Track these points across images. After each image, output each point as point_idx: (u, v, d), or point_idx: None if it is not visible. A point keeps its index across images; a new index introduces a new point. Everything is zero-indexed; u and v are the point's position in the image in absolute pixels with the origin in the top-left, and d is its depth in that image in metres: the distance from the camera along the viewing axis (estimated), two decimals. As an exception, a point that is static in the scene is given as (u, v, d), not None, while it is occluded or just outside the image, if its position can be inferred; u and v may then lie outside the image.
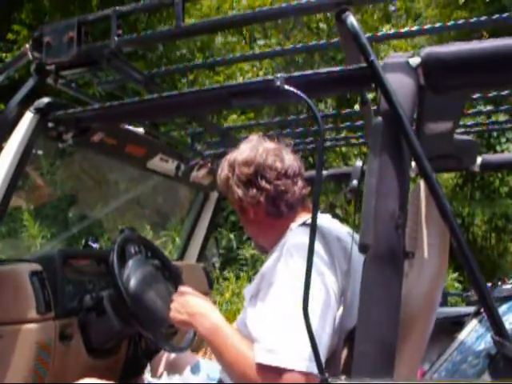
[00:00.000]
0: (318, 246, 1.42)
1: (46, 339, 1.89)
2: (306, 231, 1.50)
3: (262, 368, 1.35)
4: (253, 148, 1.64)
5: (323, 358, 1.33)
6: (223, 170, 1.67)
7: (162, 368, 2.04)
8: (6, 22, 8.15)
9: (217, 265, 4.28)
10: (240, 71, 7.75)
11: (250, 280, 5.13)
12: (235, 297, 5.13)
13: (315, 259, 1.26)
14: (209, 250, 3.19)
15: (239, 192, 1.62)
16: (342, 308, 1.42)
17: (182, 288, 1.67)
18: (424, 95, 1.27)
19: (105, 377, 1.82)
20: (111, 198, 7.38)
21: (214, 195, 3.03)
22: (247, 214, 1.66)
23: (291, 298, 1.37)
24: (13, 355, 1.82)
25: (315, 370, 1.31)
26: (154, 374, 1.76)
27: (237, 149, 1.68)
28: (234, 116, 7.17)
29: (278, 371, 1.33)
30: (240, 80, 7.31)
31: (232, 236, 6.21)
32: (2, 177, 1.75)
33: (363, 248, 1.21)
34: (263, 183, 1.60)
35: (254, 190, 1.60)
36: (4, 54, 7.97)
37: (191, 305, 1.57)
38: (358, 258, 1.42)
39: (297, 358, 1.32)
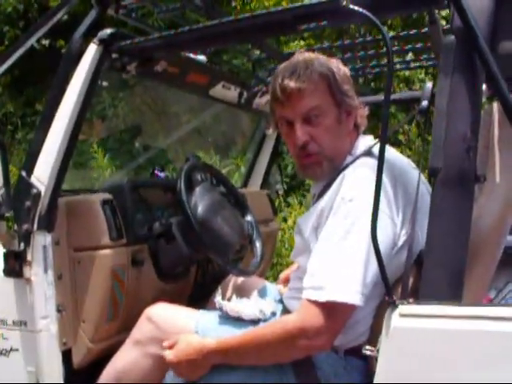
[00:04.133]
0: (384, 176, 1.40)
1: (119, 264, 1.97)
2: (366, 162, 1.49)
3: (311, 305, 1.40)
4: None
5: (369, 288, 1.38)
6: (319, 70, 1.56)
7: (230, 292, 2.11)
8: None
9: (280, 192, 4.30)
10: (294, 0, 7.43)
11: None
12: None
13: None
14: (272, 176, 3.20)
15: (345, 95, 1.59)
16: (405, 237, 1.44)
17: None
18: (501, 10, 1.20)
19: (175, 300, 1.89)
20: (175, 128, 7.44)
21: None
22: (341, 120, 1.60)
23: (346, 234, 1.39)
24: (90, 279, 1.91)
25: (360, 302, 1.36)
26: (222, 297, 1.82)
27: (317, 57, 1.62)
28: (295, 43, 6.98)
29: (326, 306, 1.37)
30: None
31: (296, 162, 6.18)
32: (70, 109, 1.79)
33: (433, 171, 1.19)
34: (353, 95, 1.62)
35: (355, 100, 1.62)
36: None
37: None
38: (423, 189, 1.42)
39: (344, 291, 1.36)
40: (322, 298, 1.37)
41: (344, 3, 1.31)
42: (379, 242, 1.21)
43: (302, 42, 6.88)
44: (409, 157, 1.53)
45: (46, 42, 6.98)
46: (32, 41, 1.92)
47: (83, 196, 2.13)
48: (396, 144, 7.74)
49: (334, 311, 1.38)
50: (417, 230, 1.36)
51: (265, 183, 3.06)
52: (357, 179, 1.46)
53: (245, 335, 1.54)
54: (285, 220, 5.01)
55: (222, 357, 1.54)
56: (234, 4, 6.99)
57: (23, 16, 8.28)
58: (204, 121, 6.35)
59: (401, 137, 7.68)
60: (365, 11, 1.26)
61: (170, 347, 1.62)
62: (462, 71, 1.20)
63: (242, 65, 3.01)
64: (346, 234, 1.39)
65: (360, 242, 1.37)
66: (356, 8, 1.28)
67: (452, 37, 1.22)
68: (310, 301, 1.40)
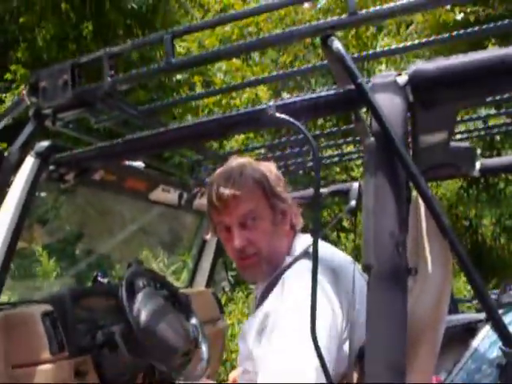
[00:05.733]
0: (322, 275, 1.42)
1: (61, 378, 1.90)
2: (305, 264, 1.52)
3: None
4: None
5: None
6: (252, 179, 1.62)
7: (179, 398, 2.05)
8: (3, 61, 8.18)
9: (226, 288, 4.27)
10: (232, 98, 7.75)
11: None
12: (246, 317, 5.13)
13: (319, 289, 1.26)
14: (217, 274, 3.21)
15: (279, 198, 1.64)
16: (347, 332, 1.44)
17: None
18: (414, 112, 1.29)
19: (122, 411, 1.83)
20: (120, 228, 7.39)
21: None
22: (276, 221, 1.64)
23: (297, 334, 1.35)
24: None
25: None
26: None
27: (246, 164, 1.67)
28: (236, 137, 7.19)
29: None
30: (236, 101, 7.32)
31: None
32: (8, 220, 1.78)
33: (366, 268, 1.22)
34: (286, 196, 1.67)
35: (288, 201, 1.67)
36: (3, 95, 8.00)
37: None
38: (362, 282, 1.44)
39: None
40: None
41: (271, 112, 1.38)
42: (328, 341, 1.23)
43: (243, 136, 7.11)
44: (354, 241, 1.57)
45: (-13, 146, 6.93)
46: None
47: (22, 309, 2.07)
48: (341, 229, 7.86)
49: None
50: (360, 325, 1.36)
51: (210, 281, 3.06)
52: (297, 282, 1.46)
53: None
54: (230, 314, 4.96)
55: None
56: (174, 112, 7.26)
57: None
58: (148, 219, 6.34)
59: (345, 223, 7.84)
60: (290, 119, 1.33)
61: None
62: (384, 170, 1.26)
63: (181, 165, 3.06)
64: (296, 338, 1.35)
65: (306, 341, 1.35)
66: (282, 116, 1.35)
67: (372, 138, 1.30)
68: None
